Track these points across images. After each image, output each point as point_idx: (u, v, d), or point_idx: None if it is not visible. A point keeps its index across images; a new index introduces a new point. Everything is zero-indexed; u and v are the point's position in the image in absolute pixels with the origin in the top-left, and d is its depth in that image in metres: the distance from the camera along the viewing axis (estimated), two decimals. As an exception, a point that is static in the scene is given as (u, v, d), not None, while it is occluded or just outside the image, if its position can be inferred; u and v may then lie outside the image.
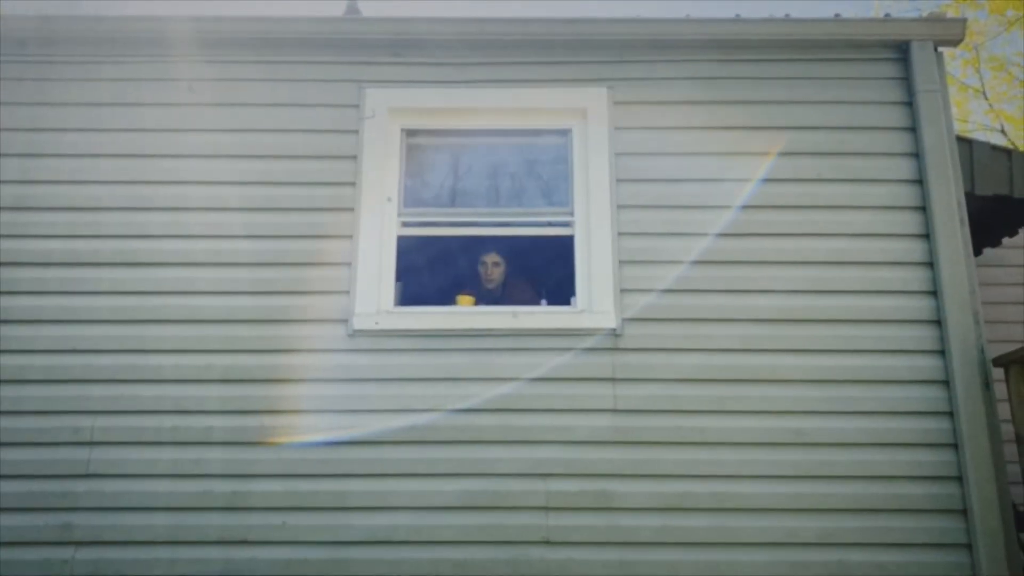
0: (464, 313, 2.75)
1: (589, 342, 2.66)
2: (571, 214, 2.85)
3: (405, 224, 2.89)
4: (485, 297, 3.17)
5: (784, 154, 2.76)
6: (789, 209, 2.74)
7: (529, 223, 2.84)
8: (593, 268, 2.75)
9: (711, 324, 2.69)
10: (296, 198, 2.79)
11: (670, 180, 2.85)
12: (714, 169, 2.78)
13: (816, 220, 2.74)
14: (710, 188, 2.79)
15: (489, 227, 2.86)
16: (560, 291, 2.89)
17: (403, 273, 2.95)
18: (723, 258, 2.74)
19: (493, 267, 3.24)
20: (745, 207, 2.78)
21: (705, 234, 2.78)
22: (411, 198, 2.94)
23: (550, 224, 2.86)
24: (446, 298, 2.93)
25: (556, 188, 2.93)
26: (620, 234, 2.80)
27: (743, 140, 2.79)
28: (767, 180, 2.75)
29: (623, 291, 2.73)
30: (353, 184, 2.82)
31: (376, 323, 2.67)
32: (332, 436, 2.50)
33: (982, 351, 2.54)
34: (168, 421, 2.54)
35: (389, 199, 2.81)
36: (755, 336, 2.63)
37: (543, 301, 3.04)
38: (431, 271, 3.29)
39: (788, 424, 2.54)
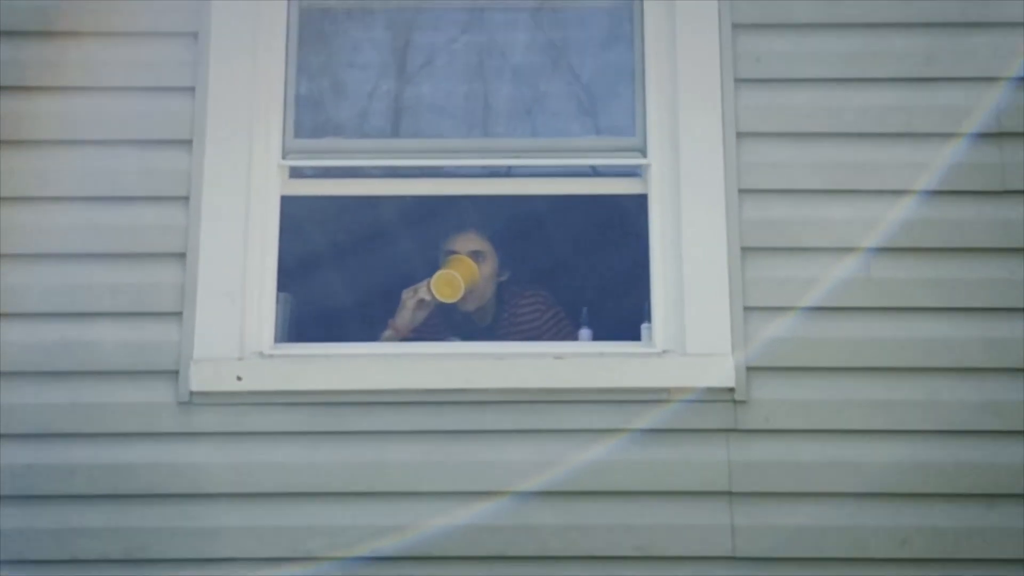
0: (423, 356, 2.62)
1: (679, 415, 2.52)
2: (640, 151, 2.72)
3: (295, 172, 2.81)
4: (456, 323, 3.14)
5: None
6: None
7: (551, 170, 2.83)
8: (687, 265, 2.59)
9: (940, 375, 2.56)
10: (64, 117, 2.71)
11: (844, 80, 2.71)
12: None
13: None
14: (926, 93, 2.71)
15: (469, 179, 2.86)
16: (612, 313, 2.92)
17: (293, 275, 2.89)
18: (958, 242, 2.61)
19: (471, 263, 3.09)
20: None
21: (913, 191, 2.63)
22: (309, 120, 2.88)
23: (596, 173, 2.85)
24: (380, 325, 2.97)
25: (608, 99, 2.91)
26: (743, 192, 2.62)
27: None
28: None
29: (749, 310, 2.56)
30: (191, 91, 2.71)
31: (238, 379, 2.52)
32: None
33: None
34: None
35: (267, 123, 2.75)
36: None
37: (582, 332, 2.93)
38: (350, 271, 3.40)
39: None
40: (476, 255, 3.14)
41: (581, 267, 3.44)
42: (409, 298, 2.94)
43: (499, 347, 2.81)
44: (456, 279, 2.93)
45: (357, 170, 2.88)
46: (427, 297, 2.88)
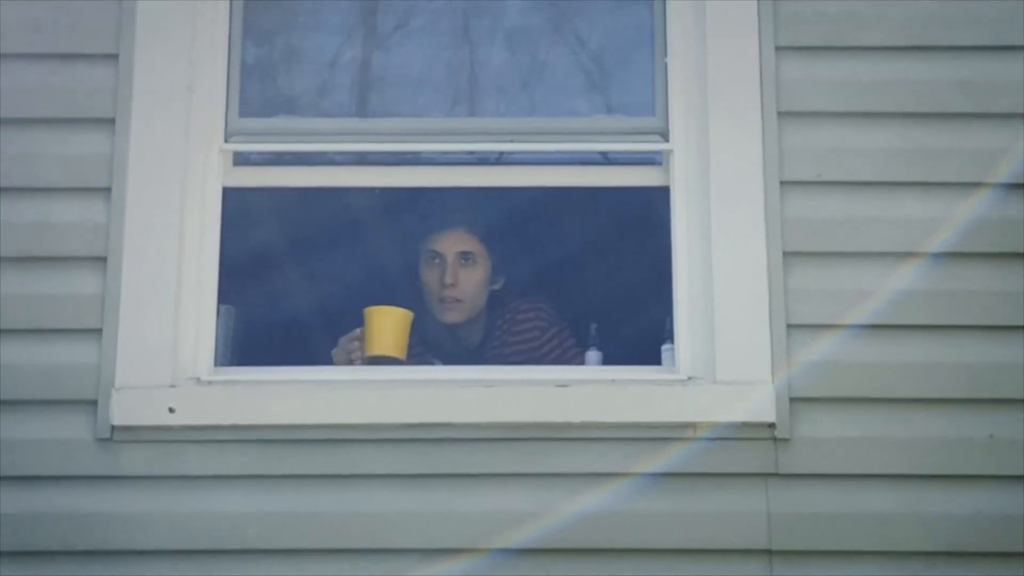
0: (398, 384, 2.58)
1: (708, 456, 2.46)
2: (661, 133, 2.68)
3: (241, 159, 2.78)
4: (439, 342, 3.13)
5: None
6: None
7: (552, 157, 2.82)
8: (718, 273, 2.55)
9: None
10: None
11: (910, 49, 2.66)
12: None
13: None
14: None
15: (453, 167, 2.85)
16: (627, 331, 2.93)
17: (238, 284, 2.92)
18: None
19: (460, 267, 3.13)
20: None
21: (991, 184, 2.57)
22: (258, 95, 2.86)
23: (607, 161, 2.85)
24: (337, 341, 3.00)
25: (622, 70, 2.92)
26: (786, 184, 2.57)
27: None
28: None
29: (792, 328, 2.50)
30: (113, 59, 2.66)
31: (170, 411, 2.47)
32: None
33: None
34: None
35: (207, 98, 2.68)
36: None
37: (590, 354, 2.91)
38: (308, 279, 3.46)
39: None
40: (465, 257, 3.12)
41: (589, 275, 3.51)
42: (341, 362, 2.91)
43: (491, 372, 2.76)
44: (396, 338, 2.83)
45: (316, 156, 2.85)
46: (358, 359, 2.86)
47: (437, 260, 3.12)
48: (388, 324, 2.88)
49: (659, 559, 2.45)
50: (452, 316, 3.12)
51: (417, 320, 3.01)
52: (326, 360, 2.97)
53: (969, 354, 2.53)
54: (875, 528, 2.45)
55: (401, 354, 2.84)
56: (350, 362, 2.97)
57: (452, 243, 3.13)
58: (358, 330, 2.92)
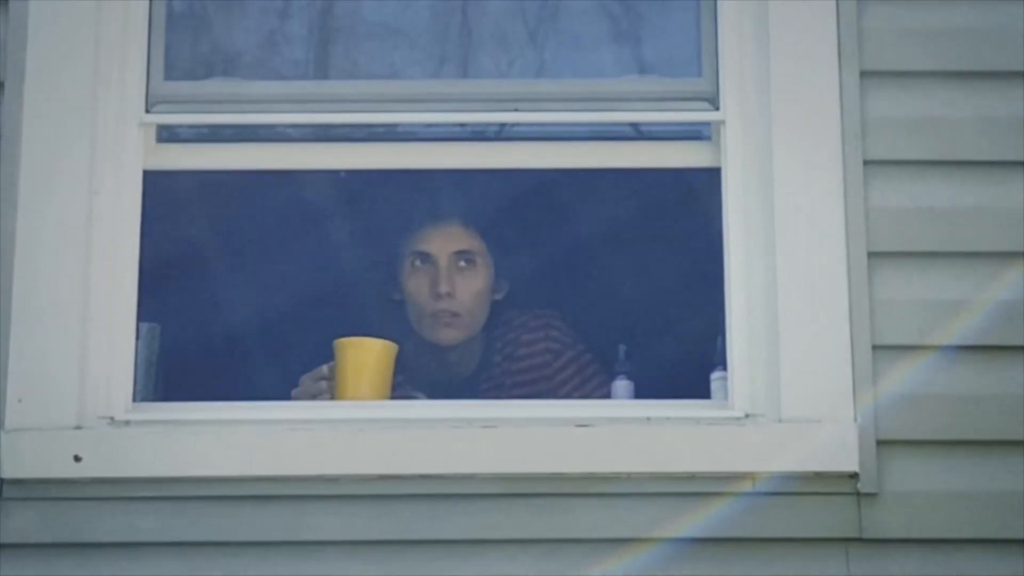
0: (371, 425, 2.46)
1: (771, 515, 2.32)
2: (710, 99, 2.57)
3: (167, 134, 2.71)
4: (424, 369, 3.05)
5: None
6: None
7: (568, 130, 2.77)
8: (784, 279, 2.42)
9: None
10: None
11: None
12: None
13: None
14: None
15: (439, 143, 2.79)
16: (665, 354, 3.07)
17: (163, 295, 2.86)
18: None
19: (456, 272, 3.05)
20: None
21: None
22: (187, 52, 2.82)
23: (638, 135, 2.82)
24: (300, 370, 2.90)
25: (659, 18, 2.87)
26: (872, 165, 2.44)
27: None
28: None
29: (880, 351, 2.37)
30: (1, 5, 2.60)
31: (76, 459, 2.34)
32: None
33: None
34: None
35: (122, 56, 2.58)
36: None
37: (618, 384, 2.82)
38: (256, 287, 3.44)
39: None
40: (463, 259, 3.03)
41: (616, 282, 3.51)
42: (301, 397, 2.80)
43: (489, 408, 2.63)
44: (375, 380, 2.72)
45: (264, 131, 2.76)
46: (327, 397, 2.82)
47: (426, 264, 3.01)
48: (367, 361, 2.77)
49: (709, 653, 2.44)
50: (448, 335, 3.01)
51: (415, 340, 3.01)
52: (282, 397, 2.86)
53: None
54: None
55: (383, 397, 2.77)
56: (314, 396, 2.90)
57: (446, 241, 3.04)
58: (325, 367, 2.84)
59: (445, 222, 3.06)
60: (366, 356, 2.78)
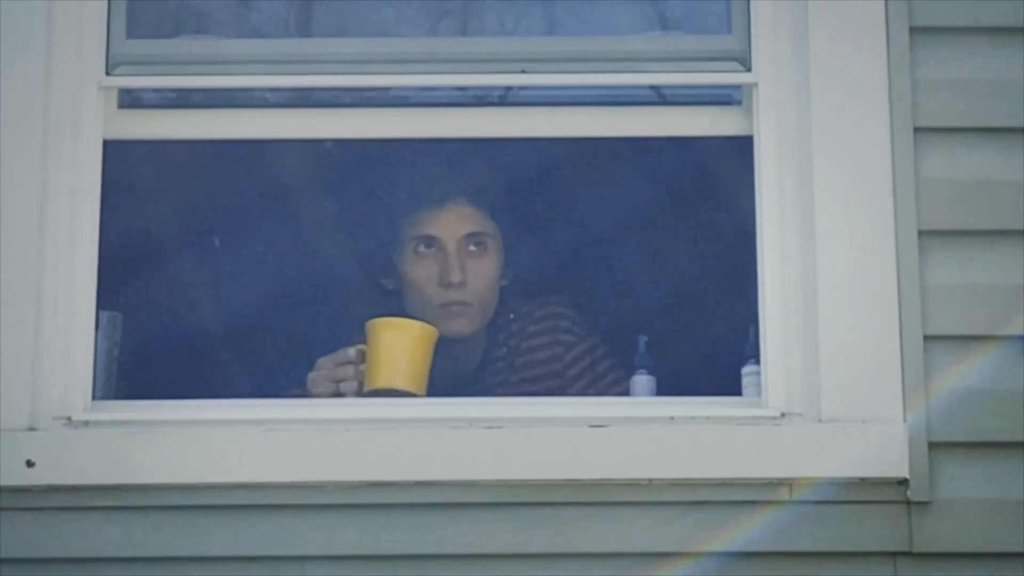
0: (362, 426, 2.43)
1: (811, 526, 2.31)
2: (741, 59, 2.54)
3: (129, 99, 2.72)
4: (436, 362, 2.90)
5: None
6: None
7: (583, 95, 2.78)
8: (823, 262, 2.41)
9: None
10: None
11: None
12: None
13: None
14: None
15: (437, 110, 2.81)
16: (690, 346, 3.11)
17: (126, 280, 2.93)
18: None
19: (467, 257, 3.03)
20: None
21: None
22: (152, 6, 2.76)
23: (662, 99, 2.86)
24: (287, 371, 3.00)
25: None
26: (922, 132, 2.42)
27: None
28: None
29: (931, 342, 2.35)
30: None
31: (28, 465, 2.32)
32: None
33: None
34: None
35: (78, 11, 2.55)
36: None
37: (637, 379, 2.79)
38: (230, 271, 3.47)
39: None
40: (473, 242, 3.01)
41: (635, 266, 3.50)
42: (323, 394, 2.76)
43: (494, 407, 2.59)
44: (415, 367, 2.73)
45: (239, 95, 2.79)
46: (351, 391, 2.75)
47: (432, 249, 2.98)
48: (404, 344, 2.78)
49: (743, 676, 2.45)
50: (458, 326, 2.97)
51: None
52: (257, 390, 2.87)
53: None
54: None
55: (421, 390, 2.74)
56: (337, 394, 2.84)
57: (454, 223, 3.01)
58: (351, 350, 2.82)
59: (452, 201, 3.02)
60: (404, 335, 2.78)
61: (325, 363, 2.84)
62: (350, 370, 2.79)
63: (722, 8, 2.61)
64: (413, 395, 2.75)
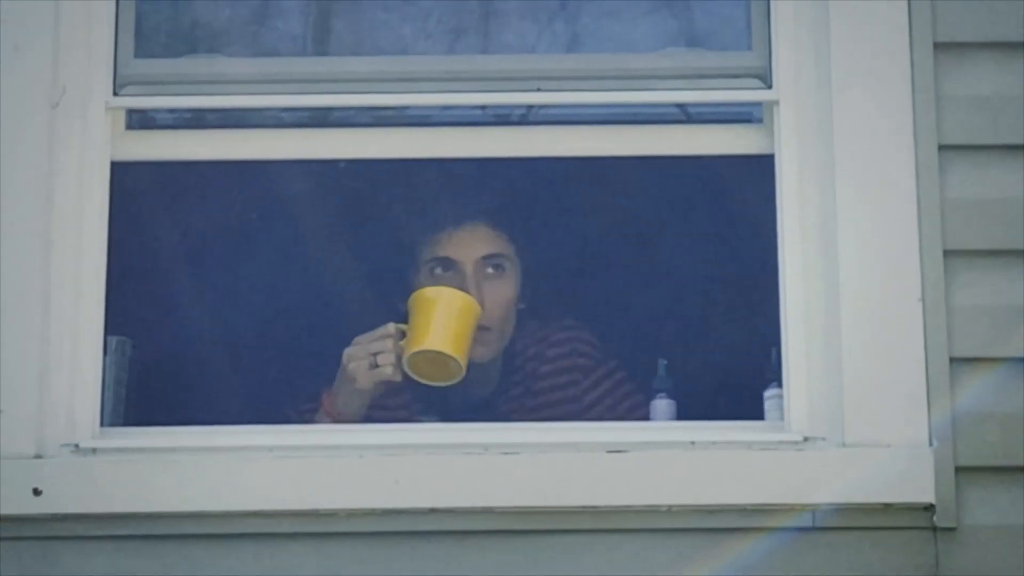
0: (374, 453, 2.43)
1: (835, 554, 2.29)
2: (761, 76, 2.53)
3: (138, 120, 2.70)
4: (443, 390, 2.90)
5: None
6: None
7: (599, 113, 2.83)
8: (847, 282, 2.39)
9: None
10: None
11: None
12: None
13: None
14: None
15: (453, 129, 2.76)
16: (711, 369, 3.13)
17: (136, 304, 2.91)
18: None
19: (485, 280, 2.97)
20: None
21: None
22: (163, 25, 2.83)
23: (680, 118, 2.81)
24: (299, 393, 2.95)
25: None
26: (947, 150, 2.40)
27: None
28: None
29: (957, 364, 2.33)
30: None
31: (35, 493, 2.30)
32: None
33: None
34: None
35: (86, 29, 2.54)
36: None
37: (657, 404, 2.78)
38: (240, 294, 3.44)
39: None
40: (491, 264, 2.96)
41: (655, 287, 3.46)
42: (358, 369, 2.74)
43: (510, 432, 2.55)
44: (459, 337, 2.75)
45: (252, 115, 2.71)
46: (392, 375, 2.73)
47: (449, 272, 2.92)
48: (449, 311, 2.78)
49: None
50: (476, 353, 2.89)
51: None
52: (268, 416, 2.79)
53: None
54: None
55: (463, 359, 2.74)
56: (375, 367, 2.81)
57: (472, 245, 2.96)
58: (391, 325, 2.82)
59: (469, 222, 2.99)
60: (450, 306, 2.78)
61: (361, 339, 2.85)
62: (389, 343, 2.80)
63: (742, 24, 2.60)
64: (454, 361, 2.72)
